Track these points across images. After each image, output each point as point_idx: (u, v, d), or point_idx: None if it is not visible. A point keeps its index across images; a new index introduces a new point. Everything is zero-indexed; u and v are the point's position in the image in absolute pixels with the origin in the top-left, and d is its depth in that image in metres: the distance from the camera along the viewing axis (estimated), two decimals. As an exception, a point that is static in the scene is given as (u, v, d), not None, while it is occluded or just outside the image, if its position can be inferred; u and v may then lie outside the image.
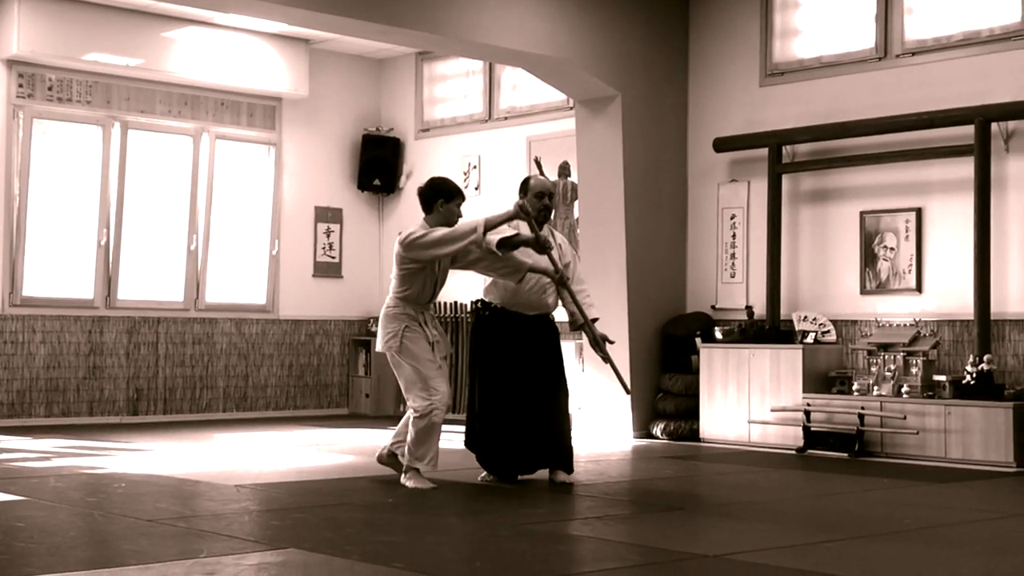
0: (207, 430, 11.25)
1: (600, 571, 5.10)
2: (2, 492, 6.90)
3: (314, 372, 13.41)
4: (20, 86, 11.61)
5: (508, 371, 7.58)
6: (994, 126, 9.43)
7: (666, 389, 10.96)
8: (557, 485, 7.54)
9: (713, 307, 11.14)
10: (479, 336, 7.74)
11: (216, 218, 12.81)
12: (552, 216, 7.93)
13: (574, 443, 7.81)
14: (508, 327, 7.62)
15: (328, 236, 13.63)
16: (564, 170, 12.12)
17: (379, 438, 10.08)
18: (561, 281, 7.46)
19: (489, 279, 7.64)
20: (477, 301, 7.78)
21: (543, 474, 7.70)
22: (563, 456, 7.64)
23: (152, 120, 12.39)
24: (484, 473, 7.72)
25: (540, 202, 7.57)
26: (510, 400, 7.56)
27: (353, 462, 8.58)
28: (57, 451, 9.33)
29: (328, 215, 13.64)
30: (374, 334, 13.49)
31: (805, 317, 10.30)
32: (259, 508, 6.59)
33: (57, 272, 11.86)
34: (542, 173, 12.27)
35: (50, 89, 11.77)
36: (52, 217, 11.85)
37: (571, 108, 11.70)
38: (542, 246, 7.34)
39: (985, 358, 9.08)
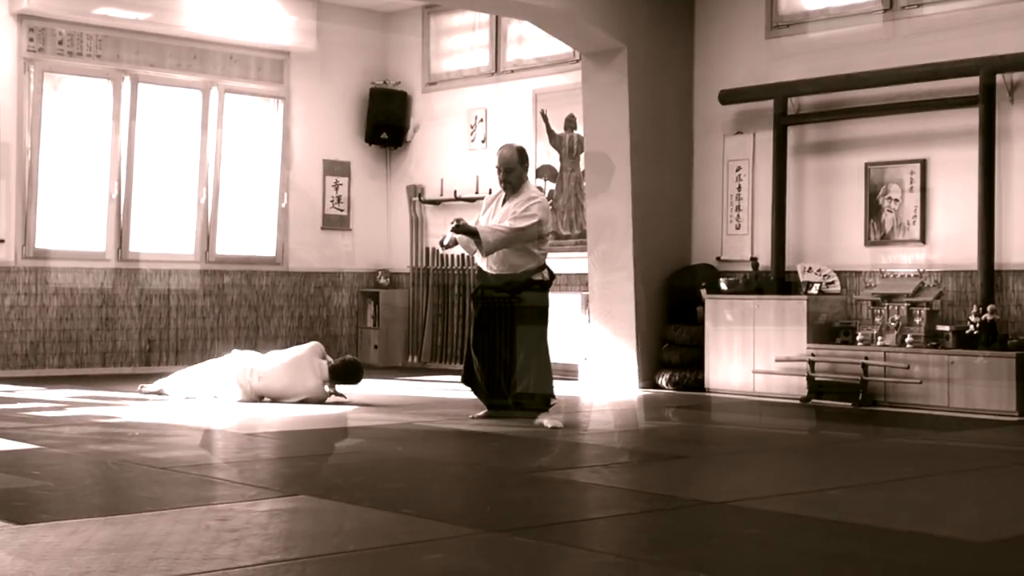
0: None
1: (606, 517, 5.20)
2: (18, 441, 7.01)
3: (323, 324, 13.50)
4: (31, 40, 11.65)
5: (473, 322, 8.46)
6: (999, 77, 9.44)
7: (671, 340, 11.05)
8: (555, 432, 7.72)
9: (718, 259, 11.21)
10: None
11: (226, 171, 12.87)
12: (519, 183, 8.24)
13: (539, 387, 8.15)
14: (481, 284, 8.36)
15: (336, 189, 13.69)
16: (570, 123, 12.16)
17: (388, 388, 10.21)
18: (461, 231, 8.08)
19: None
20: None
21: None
22: (523, 400, 8.14)
23: (161, 74, 12.44)
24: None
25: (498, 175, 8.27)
26: (471, 346, 8.43)
27: (361, 411, 8.68)
28: (71, 401, 9.45)
29: (336, 168, 13.70)
30: (383, 286, 13.69)
31: (810, 268, 10.37)
32: (270, 456, 6.71)
33: (69, 225, 11.96)
34: (548, 126, 12.36)
35: (60, 43, 11.81)
36: (64, 170, 11.94)
37: (577, 61, 11.72)
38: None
39: (988, 308, 9.15)
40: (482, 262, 8.18)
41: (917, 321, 9.47)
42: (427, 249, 13.54)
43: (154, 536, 4.48)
